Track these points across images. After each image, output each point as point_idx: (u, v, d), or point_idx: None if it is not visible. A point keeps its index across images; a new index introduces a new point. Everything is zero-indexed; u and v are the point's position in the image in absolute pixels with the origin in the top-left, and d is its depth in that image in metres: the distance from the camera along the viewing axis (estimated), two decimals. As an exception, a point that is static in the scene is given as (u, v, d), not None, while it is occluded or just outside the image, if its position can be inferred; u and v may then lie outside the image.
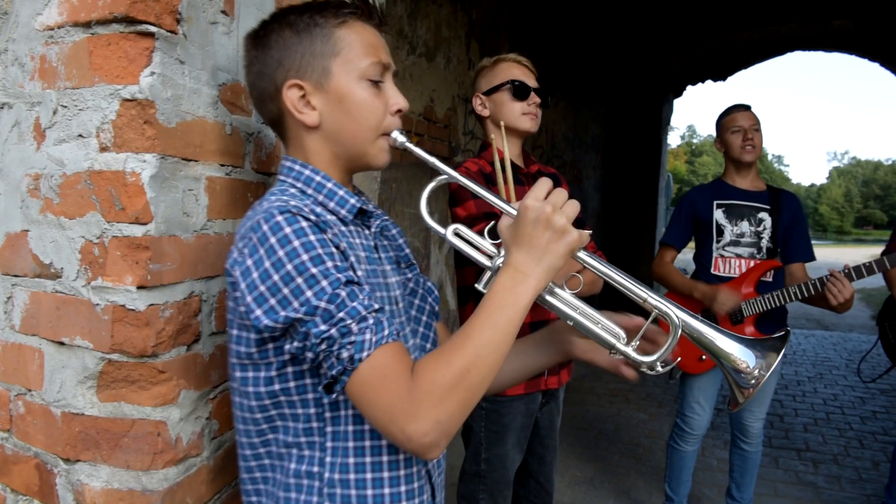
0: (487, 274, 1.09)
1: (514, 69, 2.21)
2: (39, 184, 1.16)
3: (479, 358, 0.94)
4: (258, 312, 0.94)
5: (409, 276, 1.28)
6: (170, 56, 1.10)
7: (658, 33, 9.25)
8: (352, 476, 1.03)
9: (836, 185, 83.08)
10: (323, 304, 0.91)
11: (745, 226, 3.10)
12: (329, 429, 1.03)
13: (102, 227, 1.09)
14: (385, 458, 1.05)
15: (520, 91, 2.17)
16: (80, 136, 1.10)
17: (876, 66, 10.05)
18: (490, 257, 1.12)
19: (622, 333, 1.09)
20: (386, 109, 1.11)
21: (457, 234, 1.14)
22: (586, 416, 5.40)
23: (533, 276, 0.99)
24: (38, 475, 1.20)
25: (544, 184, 1.03)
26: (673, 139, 71.46)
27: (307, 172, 1.10)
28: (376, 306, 0.96)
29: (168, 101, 1.10)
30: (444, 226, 1.15)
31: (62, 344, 1.15)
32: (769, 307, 2.97)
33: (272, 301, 0.93)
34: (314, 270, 0.92)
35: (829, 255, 27.95)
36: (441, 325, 1.36)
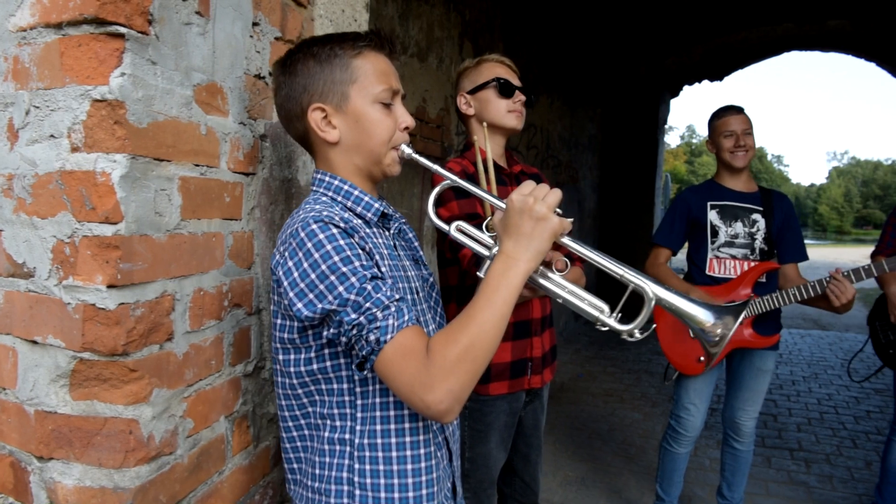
0: (487, 263, 1.23)
1: (498, 68, 2.22)
2: (13, 184, 1.17)
3: (482, 334, 1.09)
4: (299, 305, 1.12)
5: (426, 272, 1.49)
6: (141, 57, 1.11)
7: (654, 33, 9.26)
8: (379, 440, 1.21)
9: (836, 185, 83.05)
10: (353, 297, 1.09)
11: (739, 227, 3.11)
12: (359, 402, 1.21)
13: (73, 226, 1.10)
14: (407, 425, 1.23)
15: (505, 89, 2.17)
16: (52, 136, 1.11)
17: (874, 65, 10.06)
18: (488, 248, 1.30)
19: (605, 307, 1.25)
20: (395, 126, 1.31)
21: (459, 230, 1.32)
22: (580, 416, 5.41)
23: (522, 261, 1.15)
24: (12, 473, 1.21)
25: (529, 183, 1.18)
26: (672, 139, 71.43)
27: (336, 182, 1.30)
28: (397, 296, 1.13)
29: (139, 101, 1.10)
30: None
31: (35, 343, 1.15)
32: (770, 308, 2.98)
33: (311, 296, 1.11)
34: (344, 269, 1.10)
35: (829, 255, 27.96)
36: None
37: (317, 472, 1.24)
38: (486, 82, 2.19)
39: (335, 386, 1.21)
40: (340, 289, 1.09)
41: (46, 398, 1.15)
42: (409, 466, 1.22)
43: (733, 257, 3.09)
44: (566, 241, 1.21)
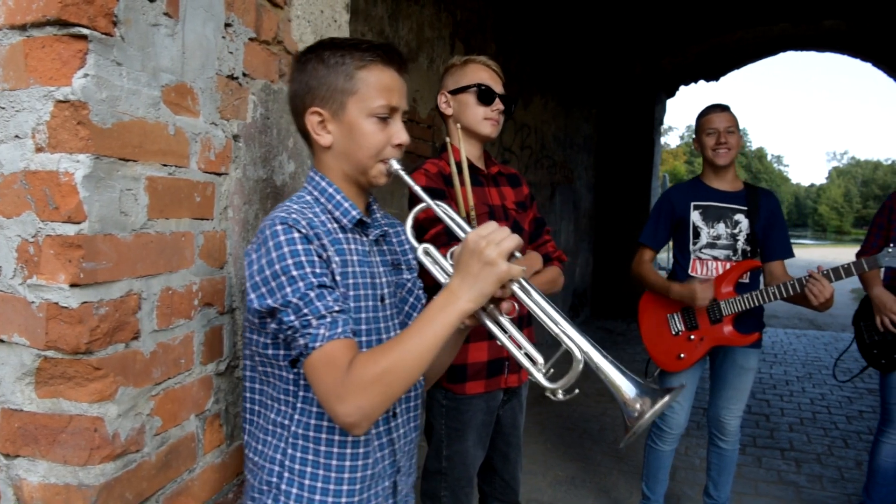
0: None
1: (483, 72, 2.21)
2: (-20, 184, 1.17)
3: (402, 361, 1.13)
4: (252, 296, 1.20)
5: (408, 277, 1.51)
6: (105, 58, 1.12)
7: (649, 33, 9.28)
8: (311, 433, 1.29)
9: (836, 185, 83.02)
10: (294, 300, 1.16)
11: (721, 228, 3.11)
12: (301, 393, 1.29)
13: (37, 226, 1.10)
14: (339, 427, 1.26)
15: (485, 96, 2.17)
16: (17, 136, 1.12)
17: (871, 65, 10.07)
18: (448, 277, 1.27)
19: (539, 360, 1.22)
20: (388, 142, 1.33)
21: (426, 253, 1.31)
22: (572, 416, 5.42)
23: (463, 300, 1.15)
24: (-20, 471, 1.22)
25: (491, 224, 1.18)
26: (672, 139, 71.38)
27: (323, 184, 1.36)
28: (338, 308, 1.18)
29: (103, 102, 1.11)
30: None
31: (1, 341, 1.16)
32: (749, 306, 2.99)
33: (262, 290, 1.19)
34: (295, 273, 1.17)
35: (829, 255, 27.93)
36: None
37: (259, 446, 1.34)
38: (468, 86, 2.20)
39: (283, 374, 1.29)
40: (287, 290, 1.16)
41: (12, 396, 1.16)
42: (335, 462, 1.29)
43: (715, 258, 3.10)
44: (515, 288, 1.19)
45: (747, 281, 3.10)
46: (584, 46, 8.37)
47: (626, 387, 1.13)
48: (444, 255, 1.30)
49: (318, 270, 1.19)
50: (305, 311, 1.15)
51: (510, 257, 1.16)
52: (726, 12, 8.92)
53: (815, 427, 5.34)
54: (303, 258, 1.18)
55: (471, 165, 2.20)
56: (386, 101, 1.31)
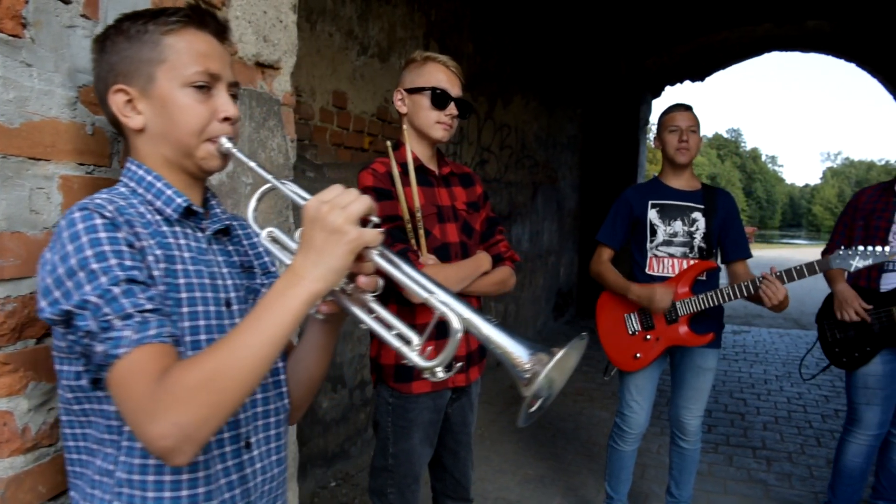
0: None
1: (441, 74, 2.21)
2: None
3: (233, 361, 0.93)
4: (42, 304, 0.98)
5: (263, 282, 1.30)
6: (13, 59, 1.13)
7: (634, 34, 9.32)
8: (136, 476, 1.04)
9: (830, 185, 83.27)
10: (93, 299, 0.94)
11: (678, 225, 3.14)
12: (126, 428, 1.02)
13: (-56, 223, 1.12)
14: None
15: (439, 100, 2.17)
16: (-75, 135, 1.14)
17: (856, 65, 10.11)
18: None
19: (415, 340, 1.05)
20: (212, 116, 1.14)
21: (272, 238, 1.15)
22: (548, 415, 5.43)
23: (307, 279, 0.97)
24: None
25: (334, 188, 1.00)
26: (667, 140, 71.40)
27: (140, 172, 1.15)
28: (149, 306, 0.97)
29: (10, 102, 1.13)
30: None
31: (-87, 337, 1.18)
32: (705, 307, 3.02)
33: (55, 294, 0.96)
34: (95, 266, 0.95)
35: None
36: None
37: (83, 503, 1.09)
38: (424, 88, 2.20)
39: (105, 407, 1.03)
40: (87, 288, 0.94)
41: (-76, 391, 1.18)
42: None
43: (672, 256, 3.13)
44: (375, 256, 1.03)
45: (705, 279, 3.13)
46: (569, 46, 8.40)
47: (516, 350, 0.99)
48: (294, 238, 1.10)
49: (126, 262, 0.97)
50: (106, 310, 0.93)
51: (366, 223, 1.00)
52: (711, 13, 8.96)
53: (790, 426, 5.37)
54: (106, 248, 0.96)
55: (421, 166, 2.22)
56: (202, 67, 1.11)
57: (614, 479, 3.39)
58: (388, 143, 2.17)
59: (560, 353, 0.96)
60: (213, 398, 0.90)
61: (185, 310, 1.09)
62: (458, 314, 0.99)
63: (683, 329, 3.08)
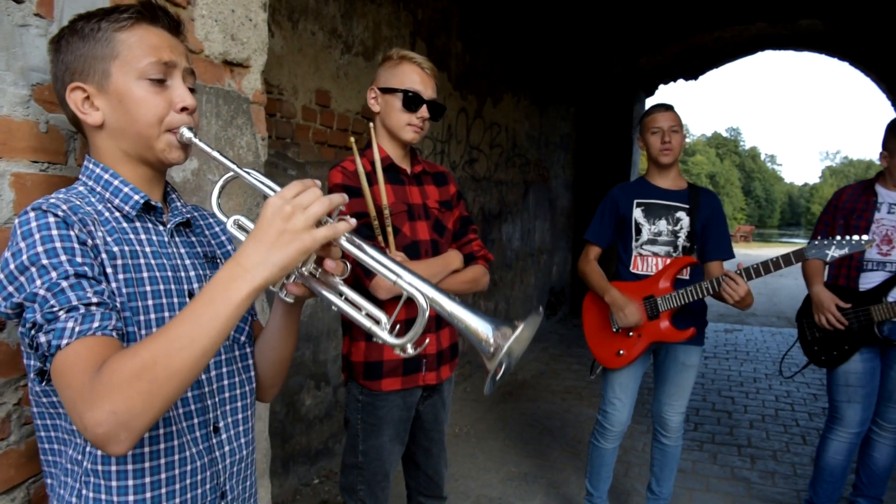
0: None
1: (415, 75, 2.20)
2: None
3: (171, 351, 0.92)
4: None
5: None
6: (-39, 57, 1.15)
7: (628, 33, 9.32)
8: (100, 467, 1.07)
9: (829, 184, 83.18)
10: (42, 292, 0.97)
11: (662, 225, 3.16)
12: None
13: None
14: (131, 452, 1.07)
15: (411, 102, 2.17)
16: None
17: (849, 64, 10.12)
18: None
19: (383, 318, 1.11)
20: (170, 107, 1.16)
21: (238, 226, 1.16)
22: (536, 413, 5.45)
23: (253, 273, 0.97)
24: None
25: (297, 184, 1.01)
26: (666, 138, 71.24)
27: (98, 171, 1.17)
28: (95, 300, 0.99)
29: (-42, 100, 1.14)
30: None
31: None
32: (681, 303, 3.03)
33: (10, 288, 1.00)
34: (46, 262, 0.98)
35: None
36: (255, 323, 1.41)
37: (60, 491, 1.12)
38: (397, 89, 2.20)
39: None
40: (37, 282, 0.97)
41: None
42: (132, 497, 1.08)
43: (656, 255, 3.15)
44: (344, 243, 1.07)
45: (686, 277, 3.14)
46: (562, 45, 8.41)
47: (480, 325, 1.05)
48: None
49: (76, 259, 1.00)
50: (52, 302, 0.96)
51: (334, 214, 1.04)
52: (704, 11, 8.97)
53: (776, 424, 5.38)
54: (57, 244, 1.00)
55: (392, 164, 2.23)
56: (155, 58, 1.13)
57: (595, 476, 3.41)
58: (353, 139, 2.17)
59: (520, 328, 1.03)
60: (150, 387, 0.90)
61: (150, 302, 1.12)
62: (423, 294, 1.04)
63: (665, 324, 3.10)
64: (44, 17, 1.32)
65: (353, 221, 1.05)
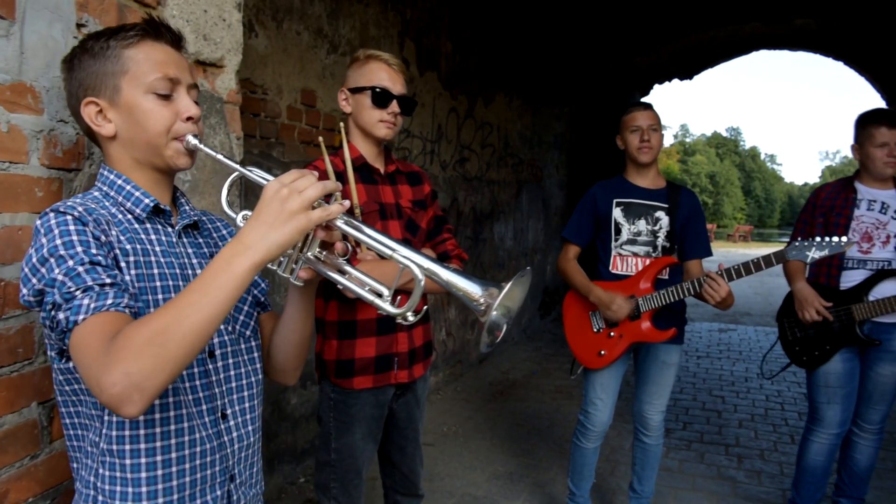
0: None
1: (383, 72, 2.23)
2: None
3: (181, 318, 1.00)
4: (24, 290, 1.11)
5: None
6: (-84, 57, 1.16)
7: (623, 32, 9.33)
8: (115, 447, 1.17)
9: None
10: (60, 277, 1.06)
11: (642, 224, 3.17)
12: None
13: None
14: (142, 432, 1.18)
15: (380, 99, 2.19)
16: None
17: (843, 64, 10.13)
18: None
19: (385, 291, 1.20)
20: (176, 117, 1.26)
21: (245, 218, 1.23)
22: (525, 413, 5.46)
23: (253, 249, 1.05)
24: None
25: (294, 172, 1.11)
26: (666, 138, 71.34)
27: (112, 177, 1.29)
28: (108, 281, 1.08)
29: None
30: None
31: None
32: (663, 303, 3.04)
33: (33, 280, 1.10)
34: (63, 252, 1.08)
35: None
36: (268, 315, 1.50)
37: (83, 473, 1.22)
38: (366, 87, 2.22)
39: None
40: (56, 270, 1.07)
41: None
42: (144, 475, 1.18)
43: (635, 255, 3.16)
44: (341, 224, 1.16)
45: (666, 277, 3.15)
46: (556, 45, 8.41)
47: (471, 288, 1.16)
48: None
49: (92, 250, 1.10)
50: (70, 284, 1.05)
51: (329, 199, 1.12)
52: (699, 11, 8.97)
53: (766, 423, 5.39)
54: (74, 237, 1.10)
55: (365, 164, 2.25)
56: (161, 73, 1.23)
57: (577, 475, 3.42)
58: (321, 138, 2.19)
59: (506, 288, 1.13)
60: (161, 351, 0.98)
61: (160, 296, 1.22)
62: (419, 265, 1.14)
63: (646, 325, 3.11)
64: (5, 17, 1.33)
65: (347, 203, 1.13)
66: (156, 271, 1.24)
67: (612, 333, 3.16)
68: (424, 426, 2.51)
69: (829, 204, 3.29)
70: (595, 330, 3.20)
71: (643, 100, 11.07)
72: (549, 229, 9.07)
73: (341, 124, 2.21)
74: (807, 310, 3.22)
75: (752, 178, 72.12)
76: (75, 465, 1.25)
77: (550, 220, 9.10)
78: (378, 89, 2.20)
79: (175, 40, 1.30)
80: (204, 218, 1.46)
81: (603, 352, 3.18)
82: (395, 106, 2.21)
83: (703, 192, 58.30)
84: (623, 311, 3.01)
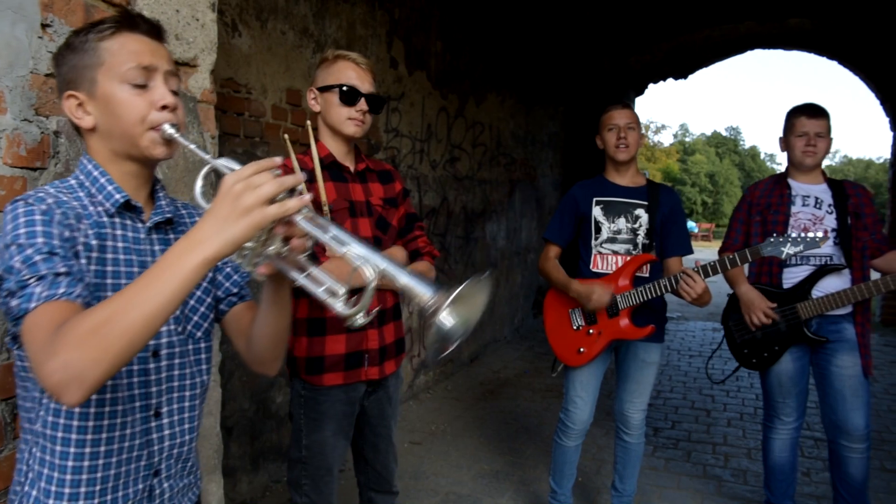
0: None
1: (351, 71, 2.25)
2: None
3: (124, 311, 1.00)
4: None
5: (209, 275, 1.42)
6: None
7: (617, 32, 9.32)
8: (48, 431, 1.20)
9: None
10: (17, 265, 1.08)
11: (621, 223, 3.18)
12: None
13: None
14: (76, 423, 1.20)
15: (348, 97, 2.21)
16: None
17: (838, 63, 10.13)
18: None
19: (341, 291, 1.17)
20: (151, 106, 1.25)
21: None
22: (514, 412, 5.47)
23: (205, 244, 1.03)
24: None
25: (251, 165, 1.07)
26: (665, 137, 71.36)
27: (89, 167, 1.29)
28: (63, 270, 1.10)
29: None
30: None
31: None
32: (640, 301, 3.04)
33: None
34: (24, 241, 1.10)
35: (814, 254, 28.02)
36: (246, 305, 1.49)
37: (24, 450, 1.26)
38: (333, 85, 2.24)
39: None
40: (16, 258, 1.08)
41: None
42: (70, 463, 1.20)
43: (615, 253, 3.16)
44: (299, 220, 1.11)
45: (646, 275, 3.15)
46: (550, 44, 8.42)
47: (422, 289, 1.09)
48: None
49: (53, 242, 1.12)
50: (25, 272, 1.07)
51: (293, 193, 1.08)
52: (694, 11, 8.97)
53: (754, 422, 5.39)
54: (37, 228, 1.12)
55: (335, 162, 2.27)
56: (134, 62, 1.23)
57: (558, 473, 3.43)
58: (286, 136, 2.21)
59: (456, 291, 1.06)
60: (102, 342, 0.98)
61: (108, 294, 1.21)
62: (372, 265, 1.09)
63: (625, 322, 3.11)
64: (-36, 17, 1.34)
65: (307, 198, 1.08)
66: (109, 268, 1.24)
67: (591, 331, 3.17)
68: (413, 425, 2.53)
69: (764, 202, 3.28)
70: (574, 327, 3.21)
71: (637, 99, 11.09)
72: (543, 228, 9.06)
73: (308, 122, 2.22)
74: (754, 313, 3.21)
75: (752, 177, 72.05)
76: (22, 446, 1.28)
77: (544, 219, 9.10)
78: (345, 87, 2.22)
79: (153, 30, 1.29)
80: (184, 212, 1.45)
81: (582, 349, 3.19)
82: (363, 104, 2.23)
83: (703, 192, 58.28)
84: (603, 298, 3.00)
